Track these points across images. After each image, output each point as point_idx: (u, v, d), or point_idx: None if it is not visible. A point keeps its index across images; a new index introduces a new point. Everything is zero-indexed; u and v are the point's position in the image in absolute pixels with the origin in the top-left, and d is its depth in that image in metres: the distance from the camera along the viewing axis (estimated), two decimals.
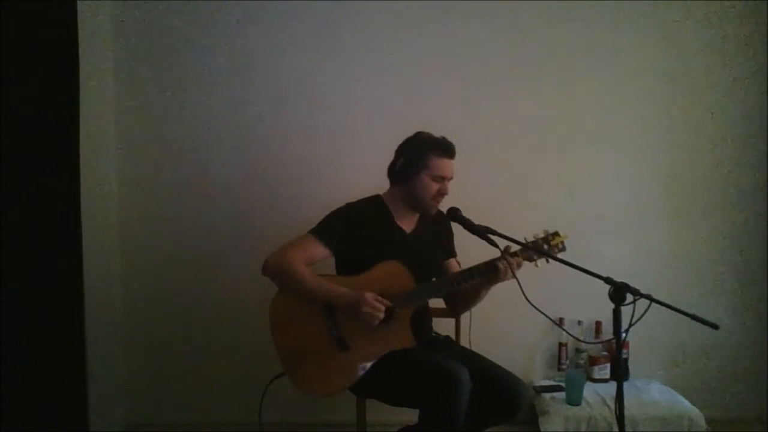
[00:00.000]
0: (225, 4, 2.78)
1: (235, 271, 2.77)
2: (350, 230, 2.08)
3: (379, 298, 1.97)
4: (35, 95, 2.26)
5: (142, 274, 2.82)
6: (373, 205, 2.18)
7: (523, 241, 2.01)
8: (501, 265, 2.00)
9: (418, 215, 2.21)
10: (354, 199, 2.20)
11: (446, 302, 2.29)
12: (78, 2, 2.43)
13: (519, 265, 2.02)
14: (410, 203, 2.15)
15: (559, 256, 2.00)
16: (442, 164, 2.09)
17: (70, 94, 2.41)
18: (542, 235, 2.04)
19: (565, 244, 2.08)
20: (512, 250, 2.03)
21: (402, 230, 2.18)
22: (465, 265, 2.11)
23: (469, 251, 2.19)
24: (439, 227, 2.25)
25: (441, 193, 2.11)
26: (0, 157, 2.13)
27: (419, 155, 2.09)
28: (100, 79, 2.68)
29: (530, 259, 2.03)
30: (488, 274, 2.03)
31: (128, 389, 2.84)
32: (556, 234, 2.05)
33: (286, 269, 2.02)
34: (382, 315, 1.97)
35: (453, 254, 2.29)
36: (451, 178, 2.12)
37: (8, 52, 2.14)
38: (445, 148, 2.10)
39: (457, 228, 2.18)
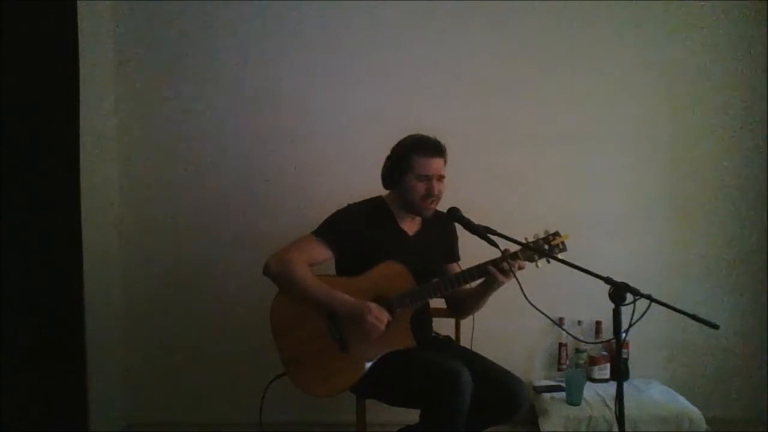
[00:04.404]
0: (224, 5, 2.78)
1: (234, 271, 2.77)
2: (352, 231, 2.08)
3: (383, 310, 1.98)
4: (35, 95, 2.26)
5: (142, 275, 2.82)
6: (375, 206, 2.18)
7: (524, 241, 2.00)
8: (502, 266, 1.99)
9: (420, 218, 2.20)
10: (354, 201, 2.20)
11: (448, 306, 2.29)
12: (78, 2, 2.43)
13: (521, 267, 2.01)
14: (406, 206, 2.15)
15: (560, 256, 2.00)
16: (425, 163, 2.07)
17: (70, 94, 2.41)
18: (543, 235, 2.04)
19: (566, 244, 2.07)
20: (513, 250, 2.02)
21: (404, 232, 2.18)
22: (465, 266, 2.11)
23: (470, 251, 2.19)
24: (442, 230, 2.25)
25: (430, 193, 2.09)
26: (0, 157, 2.13)
27: (403, 157, 2.10)
28: (100, 79, 2.68)
29: (531, 259, 2.02)
30: (488, 275, 2.02)
31: (128, 389, 2.84)
32: (556, 234, 2.04)
33: (287, 271, 2.01)
34: (383, 327, 1.97)
35: (455, 258, 2.28)
36: (440, 176, 2.10)
37: (8, 52, 2.14)
38: (428, 147, 2.09)
39: (457, 228, 2.19)
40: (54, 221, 2.35)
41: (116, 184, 2.81)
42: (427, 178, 2.08)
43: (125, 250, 2.82)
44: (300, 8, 2.77)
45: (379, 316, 1.96)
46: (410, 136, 2.14)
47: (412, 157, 2.08)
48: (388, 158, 2.15)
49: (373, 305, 1.97)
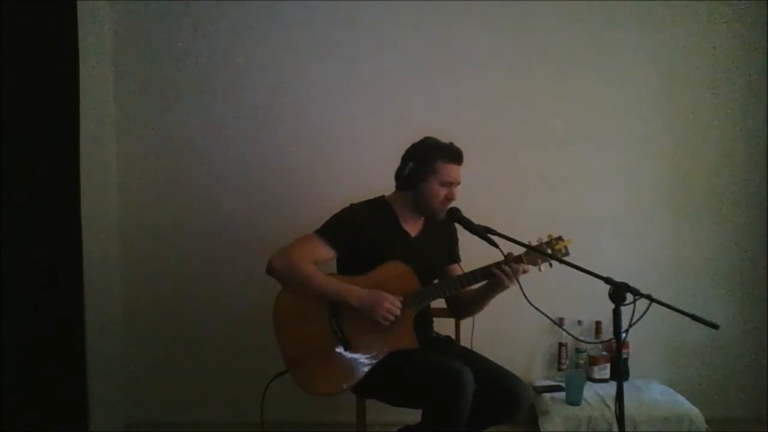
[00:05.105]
0: (224, 5, 2.78)
1: (235, 271, 2.77)
2: (356, 231, 2.08)
3: (396, 298, 1.99)
4: (35, 95, 2.26)
5: (142, 274, 2.82)
6: (378, 206, 2.18)
7: (527, 243, 2.00)
8: (505, 270, 2.00)
9: (423, 219, 2.21)
10: (355, 201, 2.19)
11: (449, 307, 2.29)
12: (78, 2, 2.43)
13: (525, 271, 2.02)
14: (418, 208, 2.15)
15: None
16: (450, 169, 2.09)
17: (70, 94, 2.41)
18: (546, 240, 2.04)
19: (568, 248, 2.07)
20: (516, 254, 2.03)
21: (407, 233, 2.18)
22: (466, 267, 2.11)
23: (470, 252, 2.19)
24: (443, 232, 2.25)
25: (448, 198, 2.11)
26: (0, 157, 2.13)
27: (428, 160, 2.09)
28: (100, 78, 2.68)
29: (534, 263, 2.02)
30: (493, 277, 2.03)
31: (128, 389, 2.84)
32: (559, 239, 2.05)
33: (292, 267, 2.01)
34: (398, 313, 1.98)
35: (456, 260, 2.29)
36: (458, 183, 2.12)
37: (8, 52, 2.14)
38: (453, 154, 2.10)
39: (458, 229, 2.19)
40: (54, 221, 2.35)
41: (116, 184, 2.81)
42: (450, 184, 2.09)
43: (125, 250, 2.82)
44: (302, 10, 2.77)
45: (394, 303, 1.97)
46: (431, 139, 2.14)
47: (438, 161, 2.08)
48: (410, 160, 2.13)
49: (386, 293, 1.98)
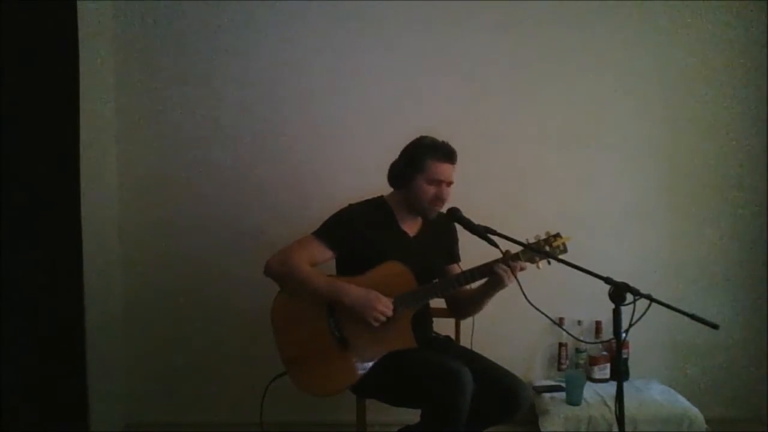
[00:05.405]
0: (226, 5, 2.78)
1: (235, 271, 2.77)
2: (353, 232, 2.08)
3: (389, 300, 1.98)
4: (35, 95, 2.26)
5: (142, 274, 2.82)
6: (376, 206, 2.18)
7: (525, 242, 2.00)
8: (502, 268, 1.99)
9: (421, 219, 2.20)
10: (354, 201, 2.19)
11: (449, 307, 2.29)
12: (78, 2, 2.44)
13: (522, 269, 2.01)
14: (410, 207, 2.15)
15: (560, 257, 2.00)
16: (439, 168, 2.08)
17: (70, 94, 2.41)
18: (544, 237, 2.04)
19: (566, 245, 2.07)
20: (513, 252, 2.02)
21: (405, 233, 2.18)
22: (465, 266, 2.11)
23: (470, 252, 2.19)
24: (442, 231, 2.25)
25: (439, 198, 2.09)
26: (0, 157, 2.13)
27: (417, 159, 2.09)
28: (100, 79, 2.68)
29: (532, 261, 2.02)
30: (490, 275, 2.03)
31: (128, 389, 2.84)
32: (557, 235, 2.04)
33: (289, 269, 2.01)
34: (390, 314, 1.98)
35: (456, 259, 2.28)
36: (450, 183, 2.11)
37: (8, 52, 2.14)
38: (443, 152, 2.09)
39: (457, 228, 2.19)
40: (54, 221, 2.35)
41: (116, 184, 2.81)
42: (439, 183, 2.08)
43: (125, 250, 2.82)
44: (301, 9, 2.77)
45: (387, 305, 1.97)
46: (425, 138, 2.14)
47: (427, 160, 2.08)
48: (401, 157, 2.14)
49: (380, 295, 1.98)
